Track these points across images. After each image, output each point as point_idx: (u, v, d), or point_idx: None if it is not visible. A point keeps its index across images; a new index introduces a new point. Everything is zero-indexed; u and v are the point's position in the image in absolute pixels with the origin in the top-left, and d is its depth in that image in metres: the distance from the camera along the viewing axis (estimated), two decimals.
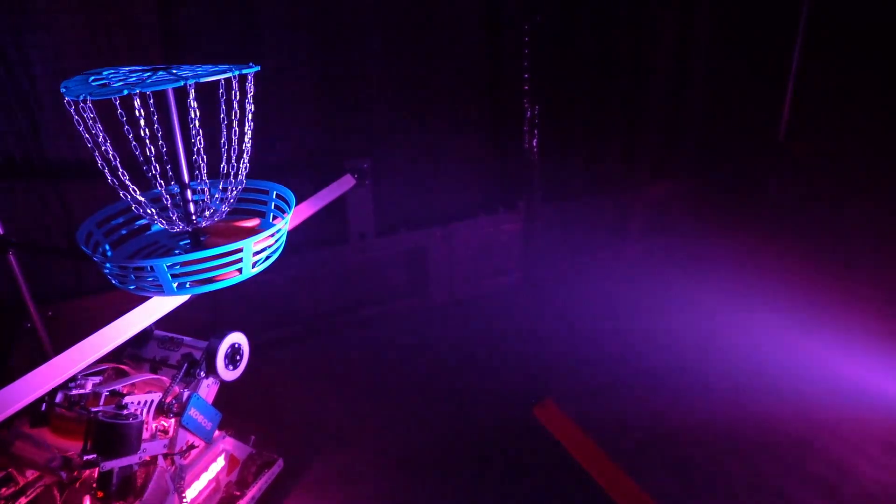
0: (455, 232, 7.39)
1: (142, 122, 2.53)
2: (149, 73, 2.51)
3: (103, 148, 2.49)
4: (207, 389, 4.16)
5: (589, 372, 6.05)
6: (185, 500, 4.03)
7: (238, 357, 4.19)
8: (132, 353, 4.33)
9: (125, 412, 3.61)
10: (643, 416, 5.42)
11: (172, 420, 3.89)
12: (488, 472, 4.86)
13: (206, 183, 2.95)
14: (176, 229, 2.87)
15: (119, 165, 2.56)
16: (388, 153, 7.05)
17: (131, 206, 2.75)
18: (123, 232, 3.14)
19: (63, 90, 2.37)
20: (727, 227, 8.69)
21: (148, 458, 3.80)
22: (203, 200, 2.99)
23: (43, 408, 3.75)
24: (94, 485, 3.65)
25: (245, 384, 4.92)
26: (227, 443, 4.52)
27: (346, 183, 6.08)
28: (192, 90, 2.45)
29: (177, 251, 3.06)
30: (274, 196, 3.29)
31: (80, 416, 3.61)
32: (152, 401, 3.83)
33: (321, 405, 5.70)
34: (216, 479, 4.45)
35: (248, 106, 2.74)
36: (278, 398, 5.83)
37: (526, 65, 7.17)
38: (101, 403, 3.65)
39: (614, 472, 4.75)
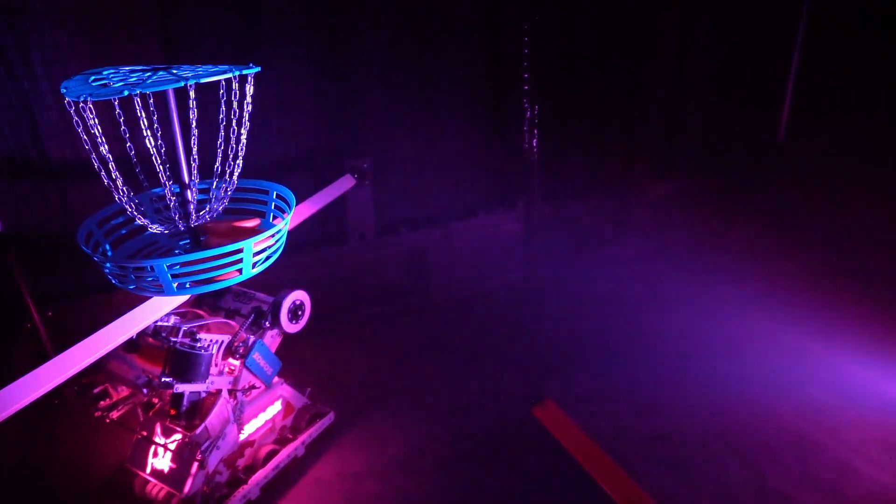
0: (455, 232, 7.39)
1: (142, 123, 2.53)
2: (149, 74, 2.50)
3: (101, 149, 2.49)
4: (271, 340, 4.62)
5: (589, 372, 6.04)
6: (242, 431, 4.61)
7: (300, 312, 4.66)
8: (211, 302, 4.82)
9: (198, 345, 4.13)
10: (643, 415, 5.41)
11: (238, 361, 4.37)
12: (488, 472, 4.86)
13: (198, 183, 2.94)
14: (165, 231, 2.87)
15: (115, 167, 2.56)
16: (389, 153, 7.05)
17: (129, 209, 2.75)
18: (123, 232, 3.14)
19: (64, 90, 2.36)
20: (727, 227, 8.69)
21: (214, 391, 4.31)
22: (198, 200, 2.99)
23: (134, 336, 4.22)
24: (171, 409, 4.29)
25: None
26: (285, 390, 5.03)
27: (346, 183, 6.10)
28: (193, 90, 2.45)
29: (177, 251, 3.06)
30: (274, 196, 3.29)
31: (163, 344, 4.14)
32: (223, 341, 4.31)
33: (319, 402, 5.70)
34: (272, 420, 4.96)
35: (246, 106, 2.74)
36: None
37: (526, 65, 7.17)
38: (180, 336, 4.15)
39: (614, 471, 4.75)
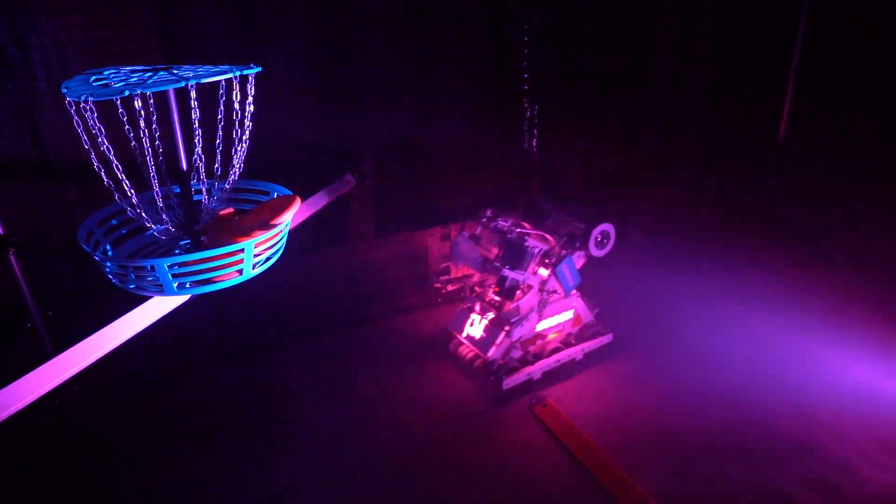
0: (455, 232, 7.38)
1: (142, 123, 2.53)
2: (150, 74, 2.50)
3: (101, 149, 2.48)
4: (577, 258, 5.87)
5: (589, 372, 6.05)
6: (540, 324, 5.87)
7: (605, 241, 5.94)
8: (535, 220, 6.17)
9: (526, 243, 5.50)
10: (643, 416, 5.42)
11: (548, 269, 5.59)
12: (489, 472, 4.86)
13: (198, 184, 2.93)
14: (167, 230, 2.85)
15: (118, 168, 2.55)
16: (389, 153, 7.05)
17: (129, 210, 2.74)
18: (123, 231, 3.13)
19: (64, 90, 2.36)
20: (727, 228, 8.69)
21: (527, 284, 5.60)
22: (201, 201, 2.98)
23: (478, 231, 5.98)
24: (495, 287, 5.67)
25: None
26: (578, 302, 6.19)
27: (346, 183, 6.09)
28: (194, 91, 2.44)
29: (177, 251, 3.05)
30: (274, 196, 3.28)
31: (500, 237, 5.68)
32: (542, 249, 5.61)
33: (320, 405, 5.70)
34: (563, 324, 6.18)
35: (248, 106, 2.74)
36: (281, 402, 5.83)
37: (526, 65, 7.17)
38: (514, 234, 5.63)
39: (615, 472, 4.75)
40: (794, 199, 8.87)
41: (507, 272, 5.42)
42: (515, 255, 5.46)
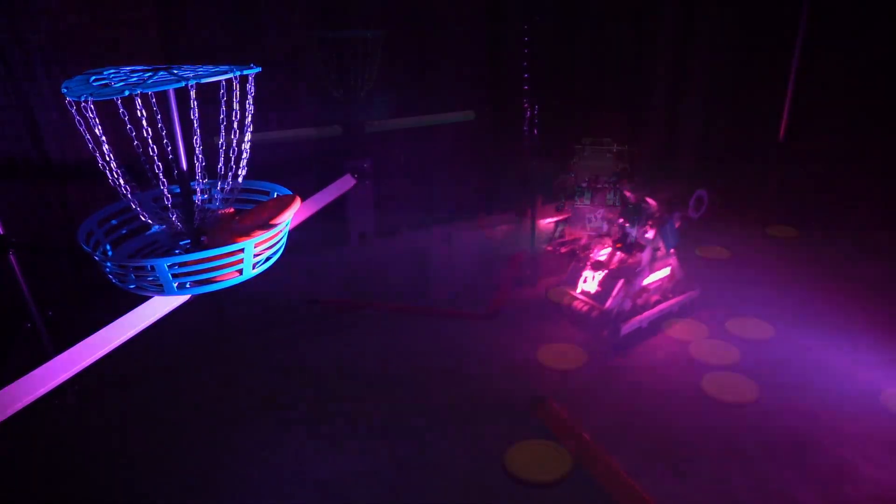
0: (455, 232, 7.39)
1: (143, 123, 2.52)
2: (150, 73, 2.50)
3: (104, 148, 2.48)
4: (677, 219, 6.58)
5: (589, 371, 6.05)
6: (650, 276, 6.54)
7: (700, 205, 6.66)
8: (632, 187, 6.79)
9: (643, 205, 6.33)
10: (643, 416, 5.42)
11: (653, 229, 6.42)
12: (488, 473, 4.86)
13: (199, 184, 2.93)
14: (174, 229, 2.85)
15: (119, 167, 2.55)
16: (389, 153, 7.06)
17: (132, 207, 2.73)
18: (124, 231, 3.13)
19: (64, 90, 2.35)
20: (724, 226, 8.69)
21: (640, 240, 6.40)
22: (202, 201, 2.97)
23: (593, 195, 6.91)
24: (617, 244, 6.56)
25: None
26: (674, 261, 6.85)
27: (346, 183, 6.09)
28: (194, 91, 2.44)
29: (177, 251, 3.04)
30: (274, 196, 3.27)
31: (616, 199, 6.76)
32: (651, 210, 6.39)
33: (315, 407, 5.70)
34: (661, 280, 6.77)
35: (248, 106, 2.74)
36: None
37: (526, 64, 7.18)
38: (632, 197, 6.49)
39: (614, 471, 4.75)
40: (794, 198, 8.88)
41: (628, 229, 6.39)
42: (634, 212, 6.37)
